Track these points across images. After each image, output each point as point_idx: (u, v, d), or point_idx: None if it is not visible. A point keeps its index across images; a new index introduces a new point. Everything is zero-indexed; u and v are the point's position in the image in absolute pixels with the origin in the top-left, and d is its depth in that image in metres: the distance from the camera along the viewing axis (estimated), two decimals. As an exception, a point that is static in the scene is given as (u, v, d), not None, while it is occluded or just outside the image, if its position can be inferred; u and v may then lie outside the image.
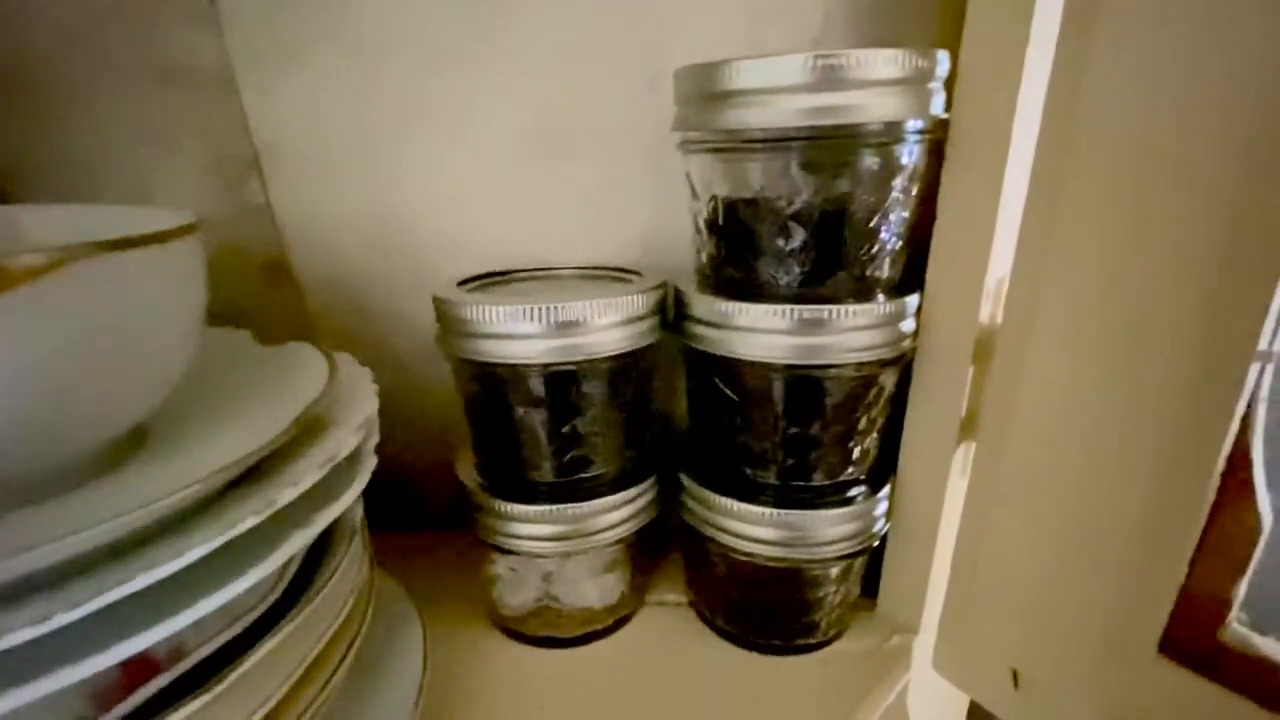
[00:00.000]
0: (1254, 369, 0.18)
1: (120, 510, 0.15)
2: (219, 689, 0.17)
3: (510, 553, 0.28)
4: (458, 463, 0.30)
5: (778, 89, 0.20)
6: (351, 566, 0.23)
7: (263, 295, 0.34)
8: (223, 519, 0.17)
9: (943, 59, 0.22)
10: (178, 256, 0.19)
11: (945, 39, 0.25)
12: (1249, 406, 0.19)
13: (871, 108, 0.20)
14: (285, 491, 0.18)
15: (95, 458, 0.20)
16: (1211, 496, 0.20)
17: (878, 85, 0.20)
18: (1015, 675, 0.26)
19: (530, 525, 0.27)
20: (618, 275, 0.30)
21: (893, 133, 0.22)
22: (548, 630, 0.30)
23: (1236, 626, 0.21)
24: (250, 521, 0.17)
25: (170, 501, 0.16)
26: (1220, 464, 0.19)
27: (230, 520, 0.17)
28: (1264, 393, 0.19)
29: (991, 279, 0.24)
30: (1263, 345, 0.18)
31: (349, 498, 0.21)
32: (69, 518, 0.17)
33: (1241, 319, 0.18)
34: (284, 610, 0.20)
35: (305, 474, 0.19)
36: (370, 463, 0.23)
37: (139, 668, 0.17)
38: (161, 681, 0.18)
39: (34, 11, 0.30)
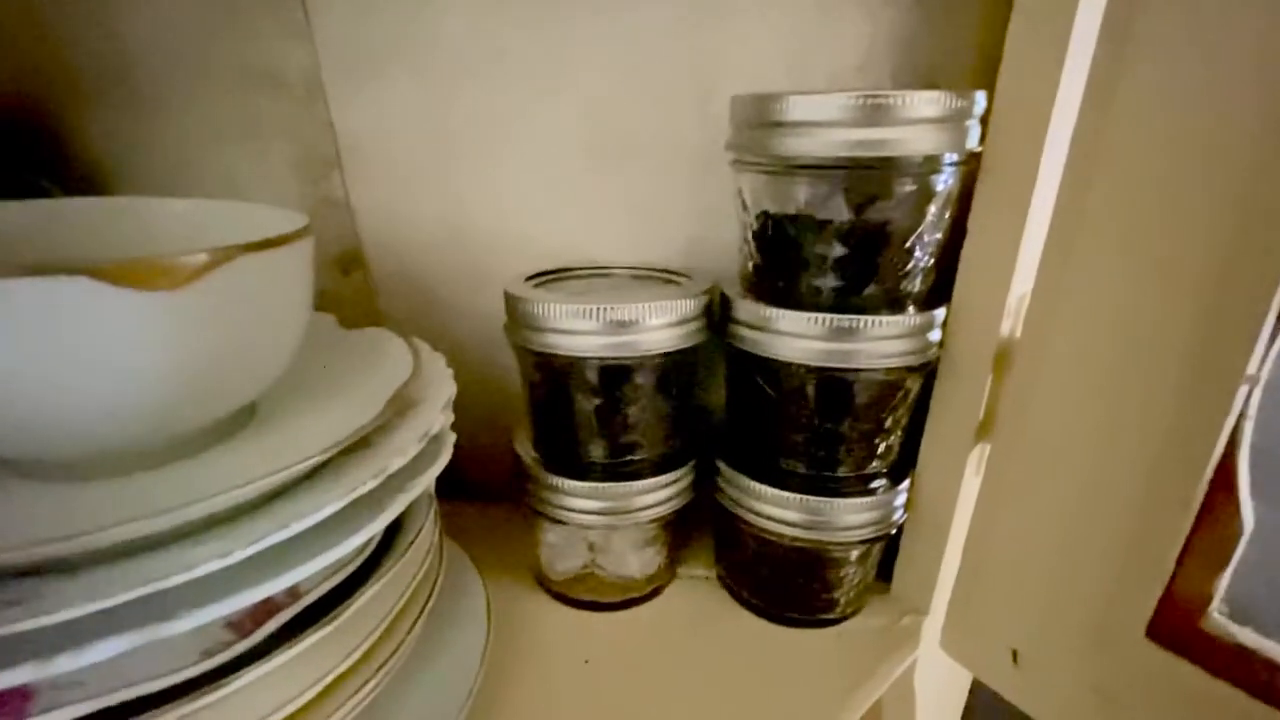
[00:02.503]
0: (1242, 390, 0.21)
1: (265, 471, 0.19)
2: (336, 623, 0.20)
3: (561, 523, 0.31)
4: (515, 440, 0.33)
5: (827, 123, 0.23)
6: (429, 527, 0.26)
7: (338, 282, 0.37)
8: (342, 482, 0.20)
9: (979, 99, 0.24)
10: (302, 253, 0.22)
11: (981, 66, 0.27)
12: (1237, 423, 0.21)
13: (912, 143, 0.23)
14: (394, 460, 0.21)
15: (220, 425, 0.23)
16: (1200, 500, 0.22)
17: (919, 123, 0.23)
18: (1015, 655, 0.29)
19: (581, 500, 0.30)
20: (666, 277, 0.33)
21: (930, 165, 0.24)
22: (591, 595, 0.33)
23: (1217, 617, 0.23)
24: (370, 484, 0.20)
25: (305, 465, 0.19)
26: (1209, 472, 0.22)
27: (352, 483, 0.20)
28: (1251, 410, 0.21)
29: (1013, 297, 0.27)
30: (1250, 369, 0.20)
31: (438, 467, 0.24)
32: (213, 477, 0.20)
33: (1233, 346, 0.20)
34: (371, 567, 0.23)
35: (408, 446, 0.22)
36: (451, 438, 0.26)
37: (265, 605, 0.21)
38: (283, 617, 0.21)
39: (142, 20, 0.33)
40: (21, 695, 0.17)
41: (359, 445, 0.22)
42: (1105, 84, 0.23)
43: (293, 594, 0.21)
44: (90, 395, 0.18)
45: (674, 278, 0.33)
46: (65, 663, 0.15)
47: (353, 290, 0.37)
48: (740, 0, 0.31)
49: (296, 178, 0.35)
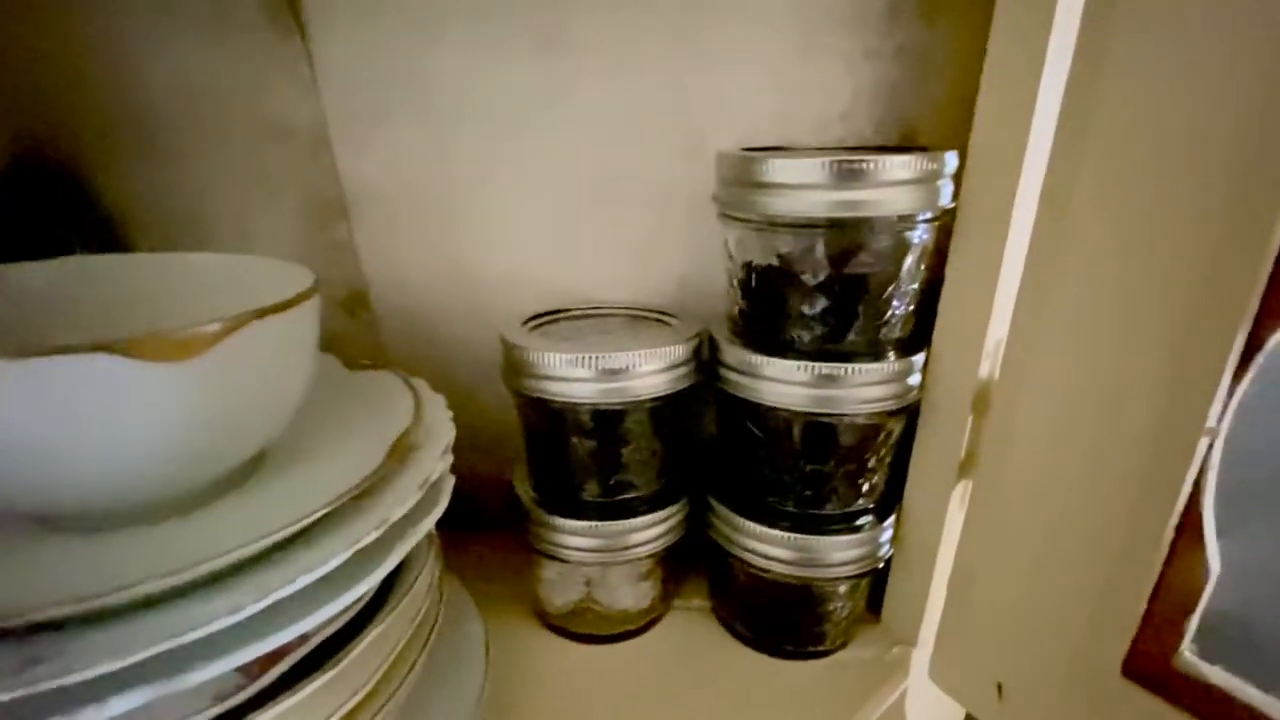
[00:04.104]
0: (1204, 442, 0.21)
1: (272, 526, 0.20)
2: (341, 666, 0.21)
3: (558, 560, 0.32)
4: (514, 478, 0.34)
5: (806, 185, 0.24)
6: (429, 568, 0.27)
7: (343, 323, 0.38)
8: (346, 534, 0.21)
9: (950, 160, 0.25)
10: (309, 312, 0.23)
11: (959, 115, 0.28)
12: (1200, 472, 0.22)
13: (887, 203, 0.24)
14: (395, 510, 0.22)
15: (230, 475, 0.24)
16: (1168, 545, 0.23)
17: (893, 185, 0.24)
18: (1000, 688, 0.30)
19: (577, 537, 0.31)
20: (659, 317, 0.34)
21: (905, 222, 0.25)
22: (587, 628, 0.34)
23: (1188, 655, 0.24)
24: (372, 535, 0.21)
25: (310, 519, 0.20)
26: (1175, 518, 0.23)
27: (355, 535, 0.21)
28: (1214, 461, 0.22)
29: (991, 341, 0.28)
30: (1210, 423, 0.21)
31: (437, 513, 0.25)
32: (225, 528, 0.22)
33: (1193, 402, 0.21)
34: (374, 609, 0.24)
35: (408, 495, 0.23)
36: (450, 482, 0.27)
37: (273, 651, 0.22)
38: (290, 661, 0.22)
39: (151, 70, 0.34)
40: (45, 743, 0.18)
41: (362, 494, 0.23)
42: (1072, 141, 0.24)
43: (299, 639, 0.22)
44: (108, 458, 0.19)
45: (666, 319, 0.34)
46: (90, 716, 0.16)
47: (358, 330, 0.39)
48: (728, 53, 0.32)
49: (305, 224, 0.37)
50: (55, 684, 0.16)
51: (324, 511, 0.21)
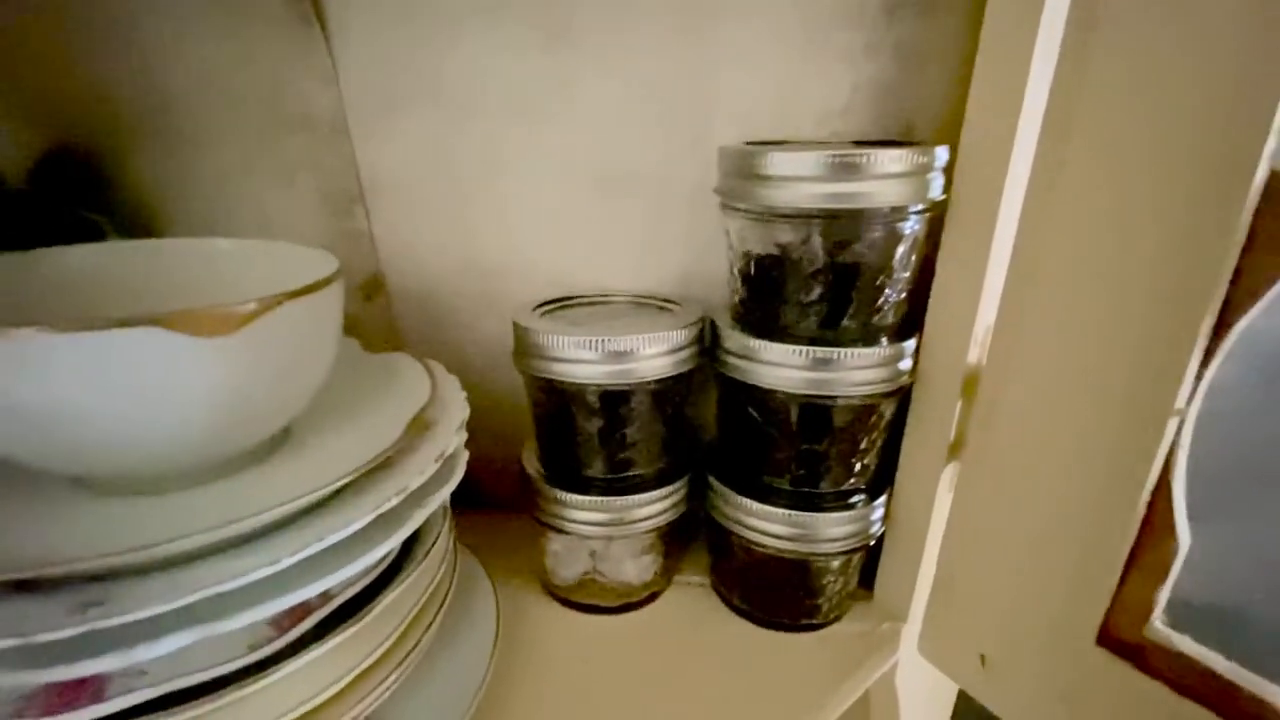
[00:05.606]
0: (1173, 422, 0.23)
1: (303, 489, 0.21)
2: (362, 623, 0.23)
3: (564, 533, 0.34)
4: (523, 456, 0.36)
5: (803, 178, 0.25)
6: (444, 537, 0.29)
7: (361, 307, 0.40)
8: (368, 499, 0.23)
9: (941, 154, 0.26)
10: (335, 294, 0.25)
11: (957, 111, 0.29)
12: (1171, 451, 0.23)
13: (880, 195, 0.25)
14: (414, 479, 0.24)
15: (262, 445, 0.26)
16: (1140, 520, 0.24)
17: (886, 178, 0.25)
18: (983, 659, 0.31)
19: (583, 512, 0.33)
20: (663, 305, 0.35)
21: (897, 214, 0.26)
22: (591, 599, 0.36)
23: (1159, 625, 0.25)
24: (394, 501, 0.23)
25: (337, 484, 0.22)
26: (1147, 495, 0.24)
27: (377, 500, 0.23)
28: (1184, 441, 0.23)
29: (980, 328, 0.29)
30: (1179, 404, 0.22)
31: (453, 483, 0.27)
32: (258, 493, 0.23)
33: (1164, 384, 0.23)
34: (392, 571, 0.26)
35: (425, 466, 0.25)
36: (464, 456, 0.29)
37: (301, 606, 0.23)
38: (317, 617, 0.24)
39: (176, 61, 0.36)
40: (100, 681, 0.20)
41: (382, 465, 0.25)
42: (1057, 137, 0.25)
43: (324, 597, 0.24)
44: (151, 426, 0.21)
45: (669, 305, 0.35)
46: (143, 652, 0.18)
47: (374, 314, 0.40)
48: (731, 48, 0.33)
49: (323, 210, 0.38)
50: (112, 623, 0.17)
51: (350, 478, 0.22)
